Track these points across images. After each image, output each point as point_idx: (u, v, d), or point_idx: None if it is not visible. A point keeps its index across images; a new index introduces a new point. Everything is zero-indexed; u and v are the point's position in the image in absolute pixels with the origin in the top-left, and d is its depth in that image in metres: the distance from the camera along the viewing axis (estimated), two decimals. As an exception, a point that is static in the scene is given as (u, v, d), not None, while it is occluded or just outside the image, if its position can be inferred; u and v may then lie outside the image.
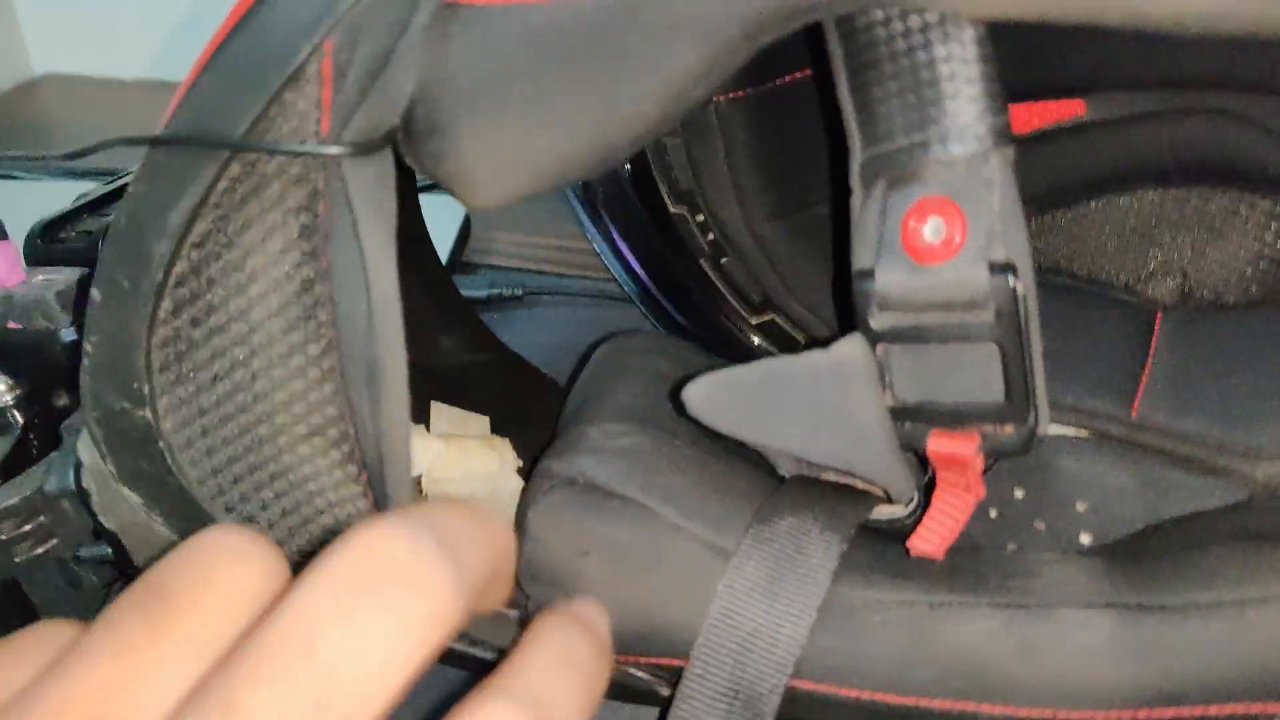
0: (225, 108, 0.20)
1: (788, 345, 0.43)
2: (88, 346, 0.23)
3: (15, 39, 0.93)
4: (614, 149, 0.22)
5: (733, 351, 0.43)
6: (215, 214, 0.22)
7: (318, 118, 0.21)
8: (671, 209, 0.42)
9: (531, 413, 0.37)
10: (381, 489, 0.24)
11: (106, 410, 0.24)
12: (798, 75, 0.39)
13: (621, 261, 0.46)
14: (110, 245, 0.22)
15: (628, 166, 0.41)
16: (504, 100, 0.20)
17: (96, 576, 0.29)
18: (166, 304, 0.23)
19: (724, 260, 0.43)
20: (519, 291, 0.59)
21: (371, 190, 0.21)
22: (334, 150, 0.20)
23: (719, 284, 0.43)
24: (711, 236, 0.42)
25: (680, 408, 0.26)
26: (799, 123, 0.40)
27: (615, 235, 0.45)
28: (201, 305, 0.23)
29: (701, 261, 0.43)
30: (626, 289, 0.46)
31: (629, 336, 0.37)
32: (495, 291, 0.59)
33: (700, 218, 0.42)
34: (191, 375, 0.23)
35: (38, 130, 0.87)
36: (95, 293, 0.23)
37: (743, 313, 0.43)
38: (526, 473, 0.35)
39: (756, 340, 0.44)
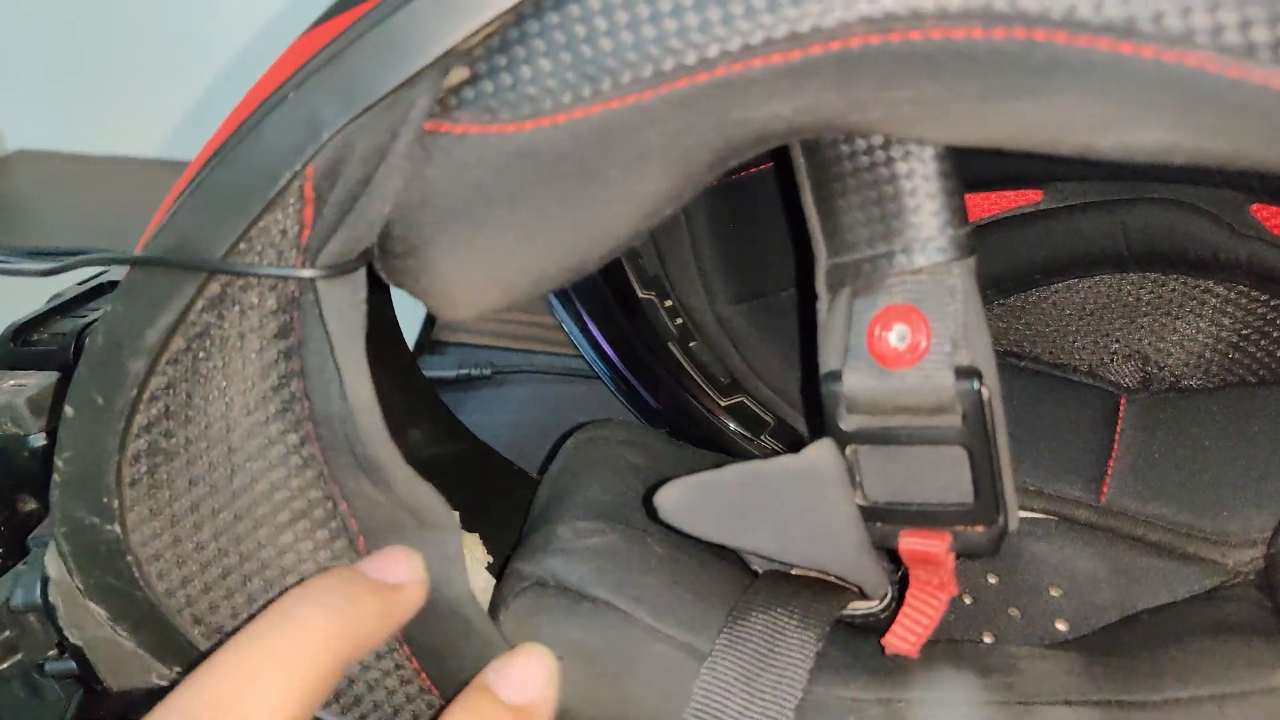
0: (205, 231, 0.21)
1: (758, 426, 0.44)
2: (59, 462, 0.23)
3: (-13, 115, 0.93)
4: (585, 264, 0.23)
5: (702, 431, 0.44)
6: (193, 330, 0.22)
7: (297, 234, 0.21)
8: (640, 294, 0.43)
9: (501, 505, 0.37)
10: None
11: (75, 525, 0.24)
12: (757, 169, 0.40)
13: (592, 343, 0.46)
14: (86, 362, 0.22)
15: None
16: (480, 221, 0.21)
17: (60, 687, 0.28)
18: (140, 419, 0.23)
19: (692, 344, 0.43)
20: (487, 371, 0.59)
21: (344, 306, 0.22)
22: (311, 274, 0.21)
23: (688, 367, 0.43)
24: (680, 321, 0.43)
25: (653, 511, 0.26)
26: (758, 213, 0.41)
27: (585, 318, 0.46)
28: (177, 416, 0.23)
29: (670, 345, 0.43)
30: (597, 370, 0.46)
31: (599, 426, 0.37)
32: (464, 371, 0.59)
33: (668, 303, 0.43)
34: (165, 485, 0.23)
35: (7, 206, 0.87)
36: (68, 409, 0.23)
37: (712, 395, 0.44)
38: (495, 568, 0.35)
39: (729, 422, 0.44)
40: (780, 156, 0.32)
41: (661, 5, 0.19)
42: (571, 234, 0.21)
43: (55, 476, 0.23)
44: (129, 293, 0.21)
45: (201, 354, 0.22)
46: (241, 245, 0.21)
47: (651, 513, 0.27)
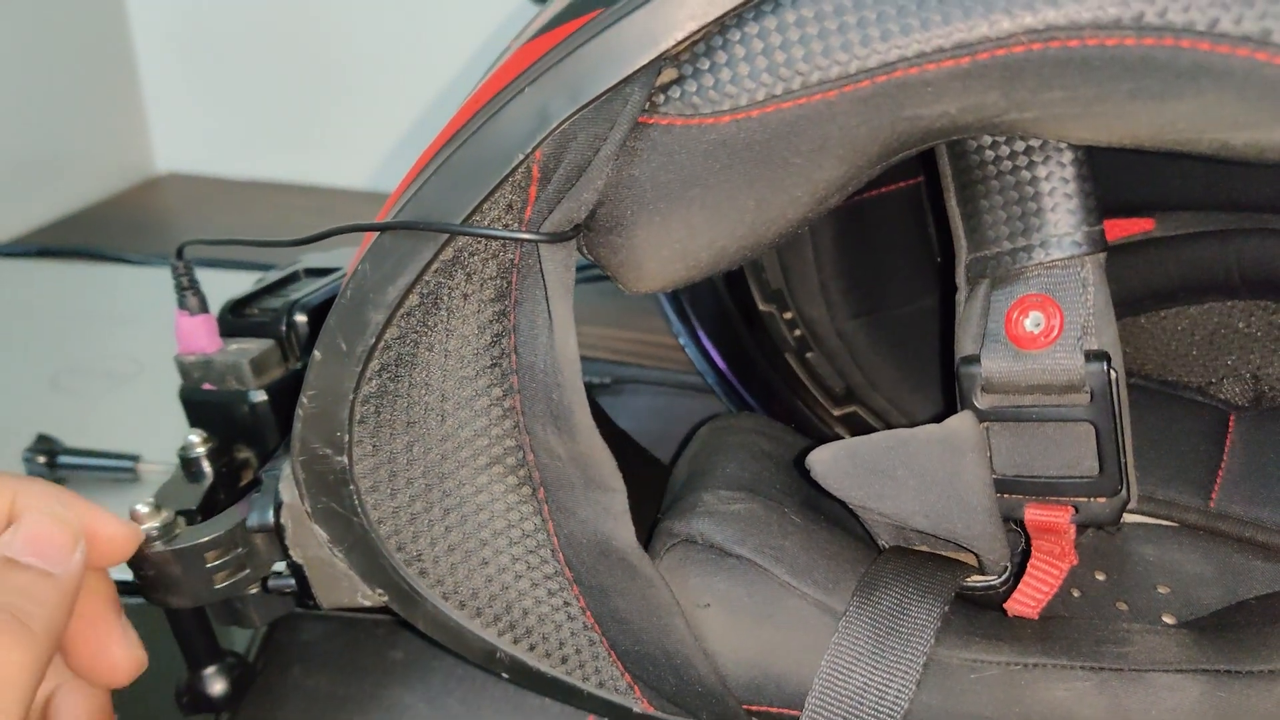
0: (447, 201, 0.25)
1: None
2: (303, 399, 0.27)
3: (142, 138, 1.01)
4: (760, 245, 0.26)
5: (814, 440, 0.46)
6: (426, 288, 0.26)
7: (522, 208, 0.25)
8: (761, 307, 0.46)
9: (637, 484, 0.40)
10: (568, 504, 0.28)
11: (311, 455, 0.28)
12: (879, 191, 0.43)
13: (704, 355, 0.49)
14: (335, 313, 0.26)
15: (721, 269, 0.45)
16: (677, 201, 0.24)
17: (258, 616, 0.32)
18: (374, 364, 0.26)
19: (809, 355, 0.46)
20: (607, 380, 0.63)
21: (559, 269, 0.25)
22: (537, 238, 0.24)
23: (803, 377, 0.46)
24: (798, 332, 0.45)
25: (804, 473, 0.29)
26: (879, 232, 0.43)
27: (699, 331, 0.49)
28: (404, 364, 0.27)
29: (787, 355, 0.46)
30: (709, 381, 0.49)
31: (730, 417, 0.40)
32: (587, 379, 0.63)
33: (788, 315, 0.45)
34: (388, 425, 0.27)
35: (158, 222, 0.93)
36: (316, 353, 0.27)
37: (825, 404, 0.46)
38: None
39: (841, 431, 0.46)
40: (907, 174, 0.35)
41: (848, 19, 0.22)
42: (753, 214, 0.25)
43: (299, 411, 0.27)
44: (375, 254, 0.26)
45: (430, 310, 0.26)
46: (476, 216, 0.25)
47: (803, 474, 0.29)
